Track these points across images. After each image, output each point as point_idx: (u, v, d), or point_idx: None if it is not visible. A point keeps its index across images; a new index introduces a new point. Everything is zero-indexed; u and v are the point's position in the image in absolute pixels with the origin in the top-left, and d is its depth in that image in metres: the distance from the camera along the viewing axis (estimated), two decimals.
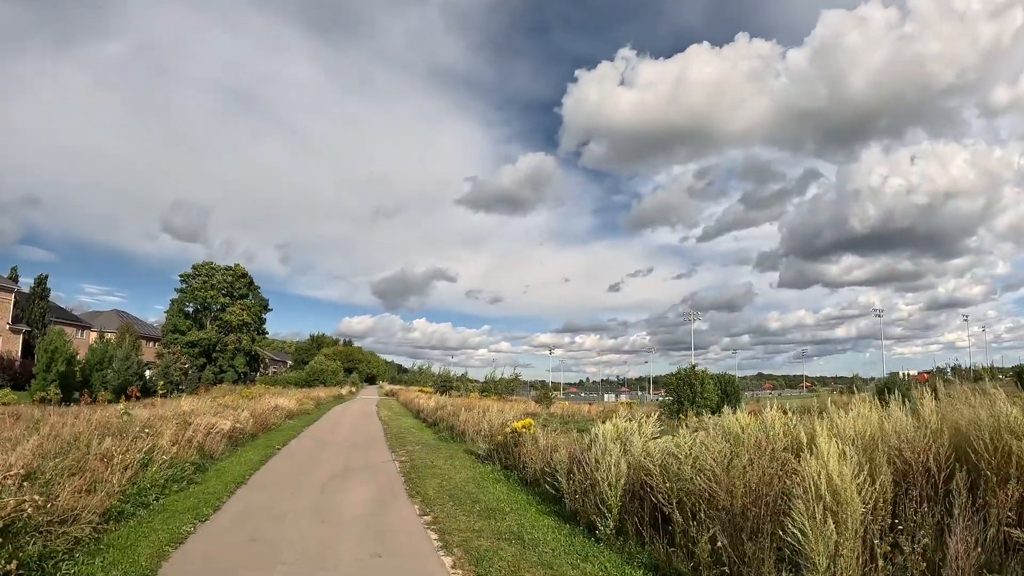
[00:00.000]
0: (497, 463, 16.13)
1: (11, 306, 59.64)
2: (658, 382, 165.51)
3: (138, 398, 39.33)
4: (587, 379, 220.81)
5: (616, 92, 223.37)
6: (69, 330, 69.18)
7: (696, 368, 33.99)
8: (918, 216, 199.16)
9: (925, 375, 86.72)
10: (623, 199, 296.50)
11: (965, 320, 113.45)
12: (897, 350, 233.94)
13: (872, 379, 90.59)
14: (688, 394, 31.77)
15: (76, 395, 42.48)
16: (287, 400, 33.69)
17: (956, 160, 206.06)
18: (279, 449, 18.80)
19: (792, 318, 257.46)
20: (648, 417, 11.21)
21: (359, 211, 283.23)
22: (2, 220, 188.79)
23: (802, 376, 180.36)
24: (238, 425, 19.43)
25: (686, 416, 29.00)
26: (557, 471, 11.10)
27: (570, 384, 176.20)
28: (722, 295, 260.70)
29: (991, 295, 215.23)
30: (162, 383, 49.39)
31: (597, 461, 9.58)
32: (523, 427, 15.73)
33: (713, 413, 30.04)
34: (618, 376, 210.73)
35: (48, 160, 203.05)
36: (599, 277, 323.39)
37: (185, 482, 12.62)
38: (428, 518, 10.46)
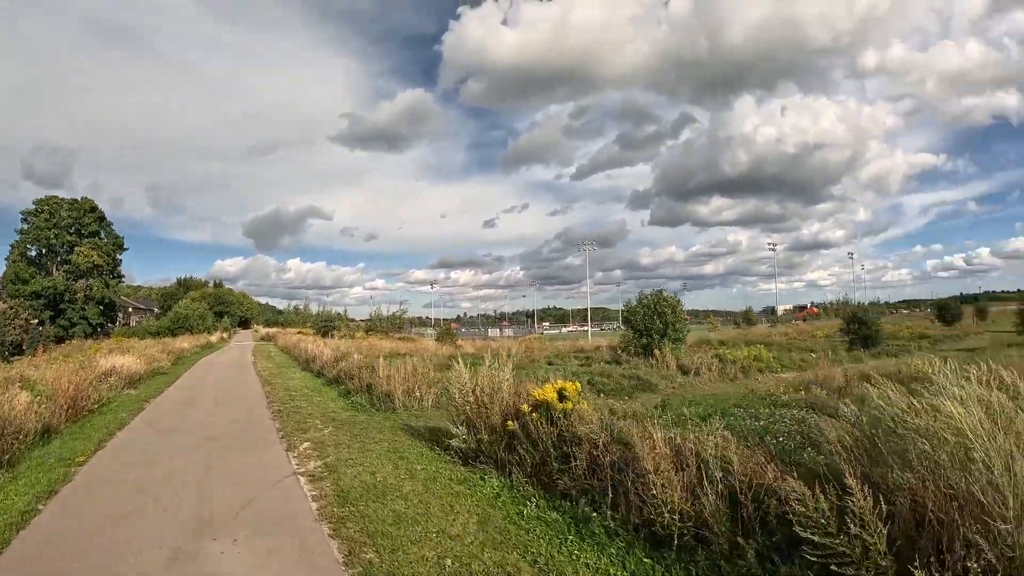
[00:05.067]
0: (518, 472, 8.42)
1: None
2: (530, 315, 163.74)
3: None
4: (464, 314, 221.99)
5: (499, 30, 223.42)
6: None
7: (664, 293, 27.48)
8: (787, 164, 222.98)
9: (815, 309, 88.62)
10: (500, 135, 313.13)
11: (850, 257, 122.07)
12: (762, 286, 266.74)
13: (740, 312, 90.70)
14: (658, 326, 25.55)
15: None
16: (131, 358, 24.17)
17: (826, 114, 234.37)
18: (79, 466, 10.09)
19: (663, 254, 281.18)
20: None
21: (232, 149, 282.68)
22: None
23: None
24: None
25: (662, 352, 22.47)
26: None
27: (448, 319, 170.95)
28: (596, 231, 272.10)
29: (852, 238, 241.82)
30: None
31: None
32: (557, 397, 8.43)
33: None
34: (495, 310, 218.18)
35: None
36: (475, 213, 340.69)
37: None
38: None
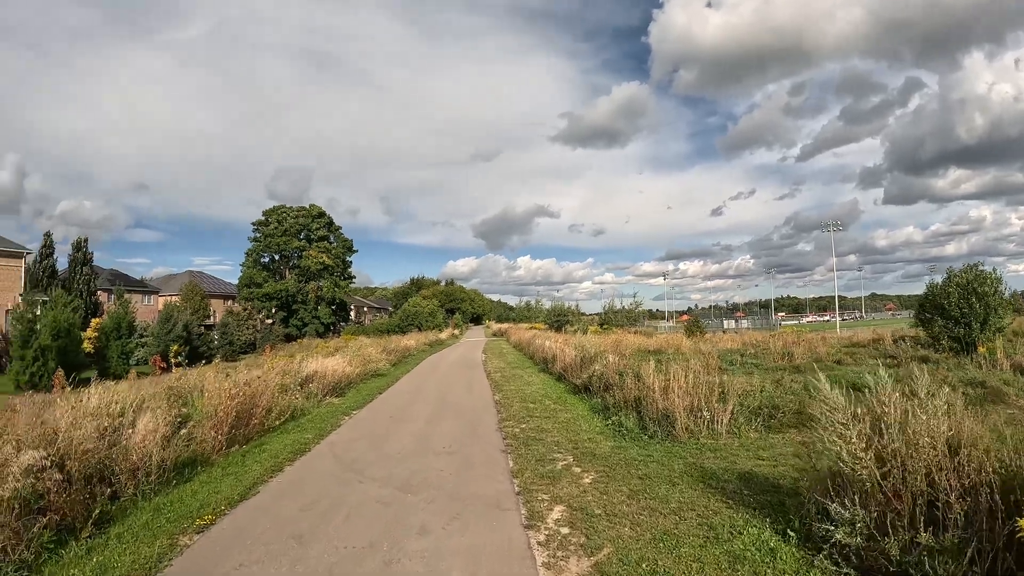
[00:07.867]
0: None
1: (21, 274, 48.28)
2: (764, 305, 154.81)
3: (164, 369, 33.85)
4: (695, 305, 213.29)
5: (703, 14, 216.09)
6: (133, 297, 61.09)
7: (980, 268, 20.74)
8: None
9: None
10: (718, 121, 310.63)
11: None
12: (1011, 267, 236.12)
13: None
14: (979, 312, 19.02)
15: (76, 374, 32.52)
16: (338, 361, 21.02)
17: None
18: (197, 533, 6.34)
19: (899, 236, 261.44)
20: None
21: (456, 156, 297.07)
22: (113, 208, 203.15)
23: (918, 296, 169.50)
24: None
25: (988, 348, 16.56)
26: None
27: (679, 311, 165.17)
28: (826, 214, 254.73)
29: None
30: (175, 347, 38.15)
31: None
32: None
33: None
34: (726, 301, 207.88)
35: (149, 147, 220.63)
36: (700, 202, 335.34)
37: None
38: None
